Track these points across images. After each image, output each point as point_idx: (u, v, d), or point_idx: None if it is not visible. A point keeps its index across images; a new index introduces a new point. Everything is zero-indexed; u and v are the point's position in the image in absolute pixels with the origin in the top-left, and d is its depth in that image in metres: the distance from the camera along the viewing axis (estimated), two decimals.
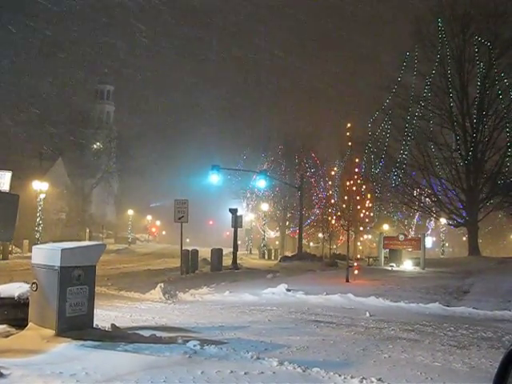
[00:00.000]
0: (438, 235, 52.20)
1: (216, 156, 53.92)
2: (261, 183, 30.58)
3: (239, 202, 50.63)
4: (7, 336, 5.99)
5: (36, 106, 44.92)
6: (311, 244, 55.97)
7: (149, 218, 71.91)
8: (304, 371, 5.14)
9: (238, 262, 24.38)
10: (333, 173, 37.01)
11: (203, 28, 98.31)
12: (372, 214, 29.74)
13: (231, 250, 24.27)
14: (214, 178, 23.96)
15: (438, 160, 34.13)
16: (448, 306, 10.79)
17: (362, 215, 18.07)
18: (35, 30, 41.69)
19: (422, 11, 35.29)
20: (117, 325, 6.92)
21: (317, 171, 51.71)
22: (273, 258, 39.74)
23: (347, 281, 15.85)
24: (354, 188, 17.13)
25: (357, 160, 19.74)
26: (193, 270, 19.96)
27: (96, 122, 61.56)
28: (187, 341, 6.10)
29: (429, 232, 50.57)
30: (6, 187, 7.67)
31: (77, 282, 6.06)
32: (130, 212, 60.08)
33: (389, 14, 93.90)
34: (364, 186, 19.65)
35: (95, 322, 6.55)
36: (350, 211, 16.89)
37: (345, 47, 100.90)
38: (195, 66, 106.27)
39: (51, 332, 5.81)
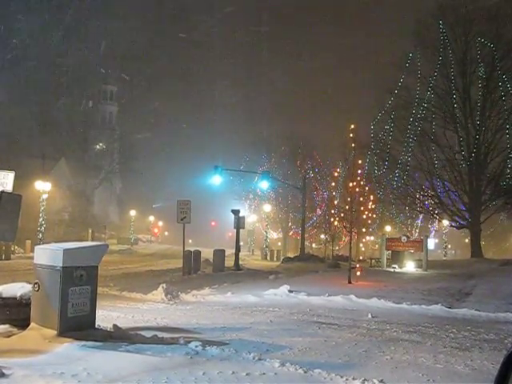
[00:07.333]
0: (440, 237, 52.17)
1: (218, 157, 53.90)
2: (263, 184, 30.51)
3: (242, 203, 50.64)
4: (9, 336, 5.99)
5: (39, 106, 45.07)
6: (313, 245, 55.90)
7: (151, 218, 71.81)
8: (306, 372, 5.13)
9: (241, 263, 24.34)
10: (336, 174, 37.01)
11: (205, 30, 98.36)
12: (374, 216, 29.70)
13: (233, 250, 24.24)
14: (217, 179, 23.96)
15: (440, 162, 34.06)
16: (450, 308, 10.78)
17: (364, 217, 18.09)
18: (39, 30, 41.76)
19: (423, 13, 35.08)
20: (119, 325, 6.92)
21: (319, 172, 51.71)
22: (275, 259, 39.75)
23: (349, 282, 15.84)
24: (357, 189, 17.14)
25: (360, 161, 19.74)
26: (195, 270, 19.94)
27: (99, 123, 61.71)
28: (189, 342, 6.11)
29: (431, 234, 50.47)
30: (8, 187, 7.66)
31: (79, 283, 6.07)
32: (133, 212, 60.00)
33: (391, 16, 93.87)
34: (367, 188, 19.64)
35: (97, 323, 6.56)
36: (353, 212, 16.90)
37: (347, 49, 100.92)
38: (198, 67, 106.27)
39: (53, 332, 5.82)
